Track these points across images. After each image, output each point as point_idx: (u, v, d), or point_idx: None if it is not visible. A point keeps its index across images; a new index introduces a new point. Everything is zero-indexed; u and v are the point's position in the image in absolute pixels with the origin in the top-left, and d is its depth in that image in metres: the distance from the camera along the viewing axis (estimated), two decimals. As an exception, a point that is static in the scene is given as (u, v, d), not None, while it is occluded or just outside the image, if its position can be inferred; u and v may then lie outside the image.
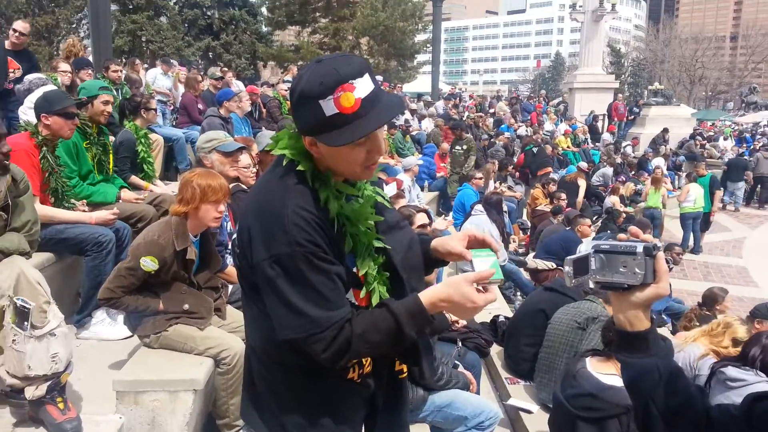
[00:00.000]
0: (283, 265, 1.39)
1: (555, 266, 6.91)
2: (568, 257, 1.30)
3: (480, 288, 1.44)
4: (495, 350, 4.79)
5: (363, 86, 1.36)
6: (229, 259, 3.69)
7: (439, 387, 3.09)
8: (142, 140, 5.23)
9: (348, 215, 1.48)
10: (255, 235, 1.43)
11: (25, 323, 2.63)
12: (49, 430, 2.69)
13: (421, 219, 4.23)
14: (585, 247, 1.33)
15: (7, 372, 2.65)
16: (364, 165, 1.47)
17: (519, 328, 4.53)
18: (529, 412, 3.99)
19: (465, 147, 10.59)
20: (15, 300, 2.63)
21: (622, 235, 1.32)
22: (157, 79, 9.85)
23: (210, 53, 28.78)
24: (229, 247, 3.72)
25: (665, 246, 8.56)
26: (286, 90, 11.55)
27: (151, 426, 2.92)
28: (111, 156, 4.57)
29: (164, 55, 24.03)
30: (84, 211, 3.84)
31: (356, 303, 1.52)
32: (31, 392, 2.65)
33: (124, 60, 19.62)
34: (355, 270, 1.51)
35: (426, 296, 1.45)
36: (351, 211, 1.49)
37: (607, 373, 3.13)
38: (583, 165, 12.53)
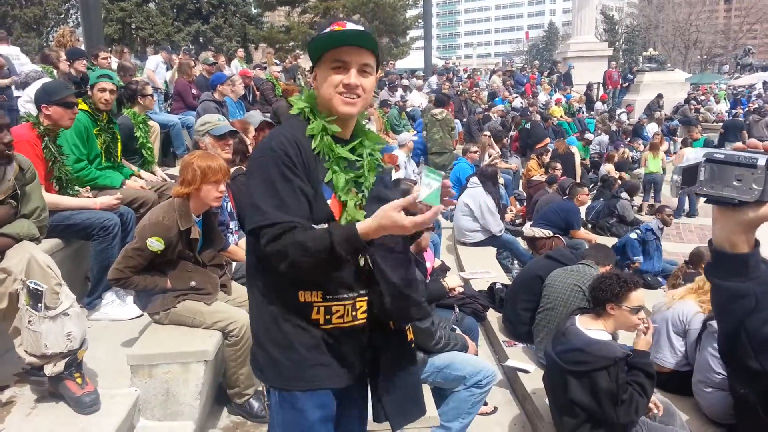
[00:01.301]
0: (255, 166, 1.71)
1: (552, 234, 7.04)
2: (678, 165, 1.16)
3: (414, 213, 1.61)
4: (492, 316, 4.95)
5: (353, 26, 1.76)
6: (232, 239, 3.81)
7: (437, 350, 3.24)
8: (141, 126, 5.32)
9: (333, 152, 1.76)
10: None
11: (39, 305, 2.76)
12: (69, 404, 2.84)
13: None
14: (695, 155, 1.15)
15: (26, 351, 2.79)
16: (338, 91, 1.73)
17: (518, 293, 4.67)
18: (526, 371, 4.15)
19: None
20: (28, 283, 2.76)
21: (738, 144, 1.16)
22: (159, 67, 9.87)
23: (200, 38, 28.60)
24: (231, 226, 3.85)
25: (656, 208, 8.68)
26: (279, 72, 11.59)
27: (166, 396, 3.07)
28: (119, 144, 4.67)
29: (155, 42, 23.95)
30: (88, 197, 3.95)
31: None
32: (50, 369, 2.79)
33: (113, 48, 19.57)
34: (329, 202, 1.74)
35: (360, 225, 1.63)
36: (336, 149, 1.76)
37: (594, 329, 3.26)
38: (590, 136, 12.56)
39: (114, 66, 7.92)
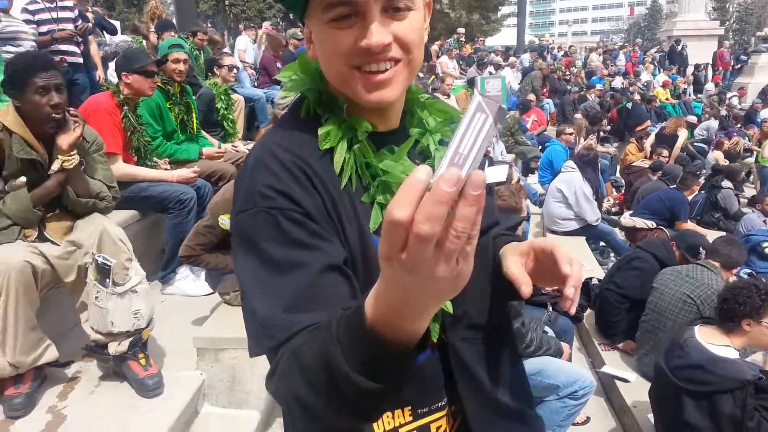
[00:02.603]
0: (239, 230, 0.90)
1: (655, 225, 6.40)
2: None
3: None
4: (588, 314, 4.48)
5: None
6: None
7: (527, 354, 2.87)
8: (222, 97, 5.21)
9: (375, 168, 0.96)
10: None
11: (107, 280, 2.64)
12: (132, 386, 2.72)
13: (513, 176, 3.88)
14: None
15: (92, 328, 2.69)
16: (353, 63, 0.90)
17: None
18: (626, 380, 3.70)
19: None
20: (96, 257, 2.64)
21: None
22: (248, 46, 9.86)
23: (291, 15, 28.84)
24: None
25: (752, 198, 7.70)
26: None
27: (231, 383, 2.90)
28: (195, 115, 4.57)
29: (246, 18, 24.35)
30: (166, 169, 3.84)
31: None
32: (114, 348, 2.67)
33: (209, 24, 20.01)
34: None
35: (370, 300, 0.66)
36: (382, 164, 0.96)
37: (719, 344, 2.82)
38: (692, 119, 11.50)
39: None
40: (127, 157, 3.63)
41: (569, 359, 3.29)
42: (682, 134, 10.87)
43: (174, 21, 8.23)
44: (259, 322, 0.84)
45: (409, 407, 1.00)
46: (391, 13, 0.88)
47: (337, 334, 0.67)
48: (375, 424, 0.96)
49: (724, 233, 7.44)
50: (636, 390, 3.57)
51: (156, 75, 3.70)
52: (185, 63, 4.23)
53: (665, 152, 8.45)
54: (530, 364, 2.90)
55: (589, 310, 4.42)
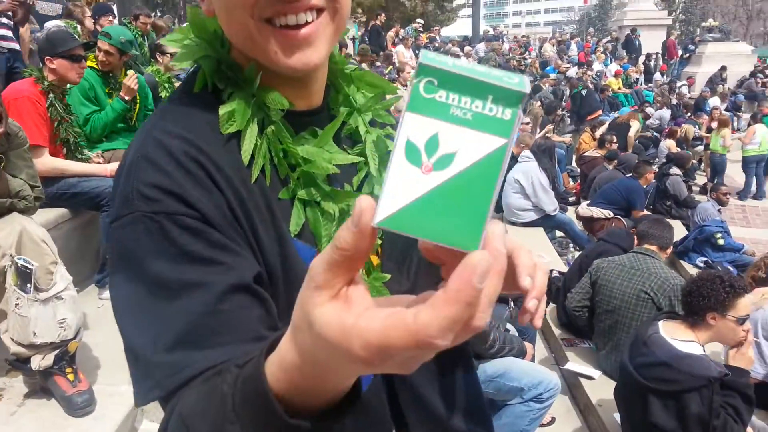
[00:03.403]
0: (115, 242, 0.69)
1: (612, 215, 6.40)
2: None
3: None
4: (549, 308, 4.40)
5: None
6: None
7: (490, 355, 2.73)
8: (165, 86, 4.91)
9: (294, 156, 0.77)
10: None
11: (28, 285, 2.39)
12: (59, 403, 2.46)
13: None
14: None
15: (11, 339, 2.41)
16: (263, 15, 0.71)
17: (575, 283, 4.10)
18: (590, 378, 3.61)
19: None
20: (16, 260, 2.37)
21: None
22: None
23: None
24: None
25: (704, 186, 7.84)
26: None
27: (173, 397, 2.66)
28: (137, 105, 4.24)
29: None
30: (99, 162, 3.54)
31: None
32: (38, 362, 2.41)
33: (158, 13, 19.26)
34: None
35: (275, 362, 0.47)
36: (302, 150, 0.77)
37: (684, 340, 2.74)
38: (651, 110, 11.61)
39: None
40: (55, 150, 3.31)
41: (533, 359, 3.17)
42: (635, 125, 10.99)
43: (114, 6, 7.80)
44: (142, 364, 0.64)
45: None
46: None
47: (233, 405, 0.49)
48: None
49: (678, 221, 7.56)
50: (600, 387, 3.50)
51: (83, 59, 3.37)
52: (108, 54, 3.87)
53: (614, 139, 8.49)
54: (493, 366, 2.78)
55: (550, 305, 4.34)
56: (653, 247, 3.72)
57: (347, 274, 0.40)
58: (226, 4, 0.72)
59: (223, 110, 0.74)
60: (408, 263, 0.77)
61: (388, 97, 0.91)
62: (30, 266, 2.38)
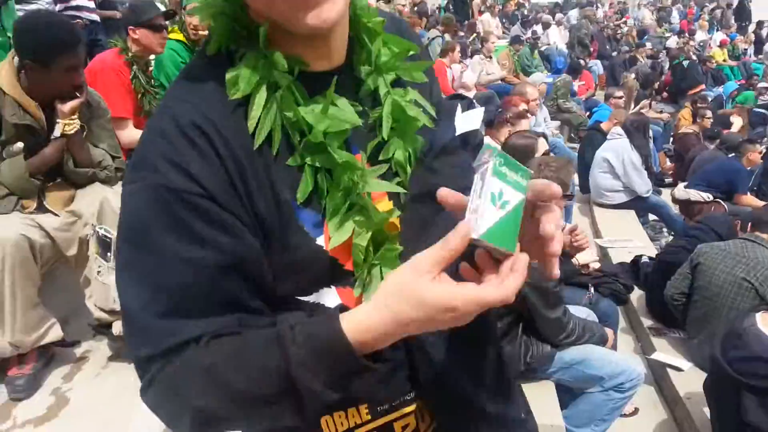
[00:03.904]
0: (125, 204, 0.73)
1: (712, 198, 5.92)
2: None
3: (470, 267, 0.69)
4: (636, 295, 4.12)
5: None
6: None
7: (568, 344, 2.58)
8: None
9: (301, 122, 0.74)
10: None
11: (108, 254, 2.47)
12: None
13: (542, 146, 3.52)
14: None
15: (95, 305, 2.53)
16: None
17: (668, 271, 3.80)
18: (679, 369, 3.38)
19: None
20: (97, 229, 2.46)
21: None
22: None
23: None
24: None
25: None
26: (401, 5, 10.88)
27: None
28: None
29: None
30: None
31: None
32: (118, 328, 2.50)
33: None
34: (319, 241, 0.76)
35: (356, 323, 0.66)
36: (305, 115, 0.73)
37: (785, 335, 2.48)
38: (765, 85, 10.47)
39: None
40: (139, 121, 3.40)
41: (614, 346, 2.98)
42: (737, 122, 9.98)
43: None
44: (136, 324, 0.72)
45: (366, 405, 0.83)
46: None
47: (301, 357, 0.66)
48: (326, 427, 0.81)
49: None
50: (690, 379, 3.28)
51: (165, 29, 3.41)
52: (195, 28, 3.90)
53: (709, 114, 7.82)
54: (572, 354, 2.63)
55: (637, 291, 4.07)
56: (765, 236, 3.38)
57: (446, 266, 0.64)
58: None
59: (229, 74, 0.72)
60: (425, 237, 0.75)
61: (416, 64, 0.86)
62: (110, 235, 2.45)
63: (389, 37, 0.83)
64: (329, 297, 0.79)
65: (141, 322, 0.70)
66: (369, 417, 0.84)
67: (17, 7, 4.32)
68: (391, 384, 0.83)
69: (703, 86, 11.50)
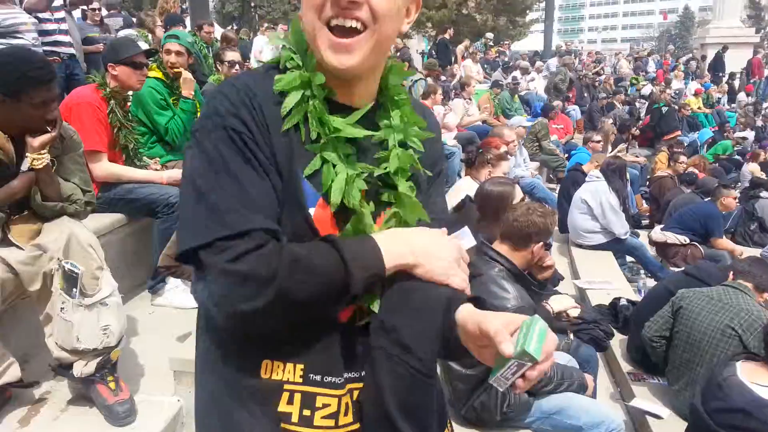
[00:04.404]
0: (197, 138, 0.98)
1: (688, 241, 5.97)
2: None
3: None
4: (615, 339, 4.08)
5: None
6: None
7: (547, 392, 2.52)
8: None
9: (328, 125, 1.01)
10: None
11: (74, 290, 2.38)
12: (101, 412, 2.43)
13: (519, 193, 3.52)
14: None
15: (56, 344, 2.41)
16: (325, 17, 0.97)
17: (648, 315, 3.76)
18: (658, 417, 3.31)
19: None
20: (63, 263, 2.37)
21: None
22: (264, 49, 9.57)
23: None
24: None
25: None
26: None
27: (212, 411, 2.59)
28: (198, 115, 4.30)
29: (272, 20, 24.29)
30: (156, 169, 3.56)
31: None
32: (80, 369, 2.39)
33: (234, 26, 19.85)
34: (311, 211, 1.00)
35: (383, 242, 0.99)
36: (334, 122, 1.02)
37: (765, 385, 2.45)
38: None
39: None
40: (115, 155, 3.36)
41: (594, 393, 2.92)
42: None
43: (187, 18, 8.03)
44: (215, 212, 0.92)
45: (303, 367, 1.00)
46: None
47: (338, 245, 0.95)
48: (264, 369, 1.01)
49: (759, 248, 6.99)
50: (670, 428, 3.20)
51: (145, 67, 3.41)
52: (178, 54, 3.94)
53: (683, 158, 7.98)
54: (550, 402, 2.56)
55: (616, 335, 4.03)
56: (749, 285, 3.38)
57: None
58: (306, 6, 0.99)
59: (278, 75, 1.02)
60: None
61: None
62: (77, 270, 2.37)
63: (408, 111, 1.11)
64: None
65: (224, 210, 0.92)
66: (300, 380, 1.00)
67: (1, 41, 4.29)
68: (329, 358, 1.01)
69: (679, 132, 11.77)
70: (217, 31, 8.27)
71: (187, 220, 0.96)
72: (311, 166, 1.00)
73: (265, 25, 13.14)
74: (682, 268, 4.39)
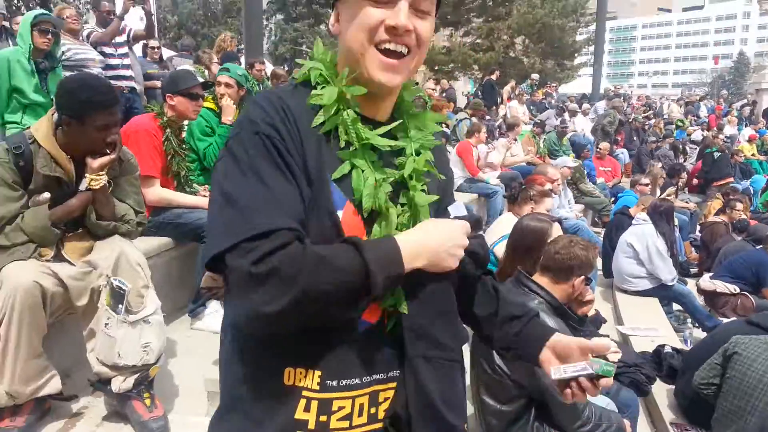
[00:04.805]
0: (230, 146, 1.05)
1: (739, 290, 5.74)
2: None
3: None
4: (659, 388, 3.92)
5: None
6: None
7: (583, 433, 2.44)
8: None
9: (359, 133, 1.11)
10: None
11: (120, 306, 2.47)
12: (135, 428, 2.47)
13: (557, 231, 3.41)
14: None
15: (97, 358, 2.48)
16: (375, 39, 1.08)
17: (699, 364, 3.60)
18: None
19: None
20: (111, 280, 2.46)
21: None
22: None
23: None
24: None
25: None
26: (432, 90, 11.21)
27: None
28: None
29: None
30: (204, 196, 3.69)
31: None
32: (118, 384, 2.45)
33: (286, 67, 20.51)
34: (339, 214, 1.06)
35: (403, 241, 1.06)
36: (365, 133, 1.11)
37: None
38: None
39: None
40: (167, 181, 3.50)
41: (634, 440, 2.81)
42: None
43: (242, 56, 8.36)
44: (241, 214, 0.97)
45: (320, 373, 1.04)
46: (414, 11, 1.08)
47: (365, 258, 0.99)
48: (286, 377, 1.04)
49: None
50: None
51: (201, 98, 3.57)
52: (227, 86, 4.13)
53: (738, 205, 7.71)
54: (585, 444, 2.47)
55: (659, 383, 3.87)
56: None
57: None
58: (355, 26, 1.09)
59: (314, 91, 1.11)
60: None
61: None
62: (124, 287, 2.46)
63: (420, 114, 1.24)
64: None
65: (252, 210, 0.97)
66: (318, 387, 1.04)
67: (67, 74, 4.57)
68: (347, 364, 1.06)
69: (731, 178, 11.43)
70: (268, 69, 8.60)
71: (214, 227, 1.02)
72: (339, 171, 1.07)
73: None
74: (744, 317, 4.18)
